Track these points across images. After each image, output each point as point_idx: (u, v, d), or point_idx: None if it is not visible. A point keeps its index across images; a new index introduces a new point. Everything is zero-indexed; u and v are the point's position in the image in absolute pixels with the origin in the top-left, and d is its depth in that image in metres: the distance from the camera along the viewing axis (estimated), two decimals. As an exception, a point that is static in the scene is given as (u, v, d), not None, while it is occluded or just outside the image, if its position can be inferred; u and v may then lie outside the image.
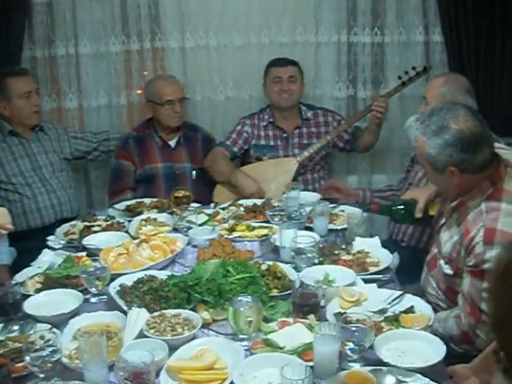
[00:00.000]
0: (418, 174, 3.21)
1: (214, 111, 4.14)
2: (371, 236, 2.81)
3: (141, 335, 2.05)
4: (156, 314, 2.15)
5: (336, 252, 2.63)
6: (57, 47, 3.97)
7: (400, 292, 2.25)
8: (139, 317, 2.09)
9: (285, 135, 3.84)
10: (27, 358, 1.88)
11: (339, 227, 2.97)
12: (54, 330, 2.12)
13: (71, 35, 3.95)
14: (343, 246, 2.69)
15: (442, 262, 2.36)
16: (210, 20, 3.97)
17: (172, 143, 3.88)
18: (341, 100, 4.03)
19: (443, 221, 2.42)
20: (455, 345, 2.22)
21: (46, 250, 2.85)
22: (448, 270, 2.31)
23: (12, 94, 3.58)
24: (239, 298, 2.03)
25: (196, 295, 2.23)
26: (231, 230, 2.99)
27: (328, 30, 3.96)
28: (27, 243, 3.12)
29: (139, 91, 4.10)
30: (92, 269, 2.42)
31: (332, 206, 3.19)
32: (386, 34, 3.91)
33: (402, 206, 2.71)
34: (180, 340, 2.02)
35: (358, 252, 2.64)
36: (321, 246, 2.69)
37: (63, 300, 2.36)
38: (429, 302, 2.31)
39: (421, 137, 2.25)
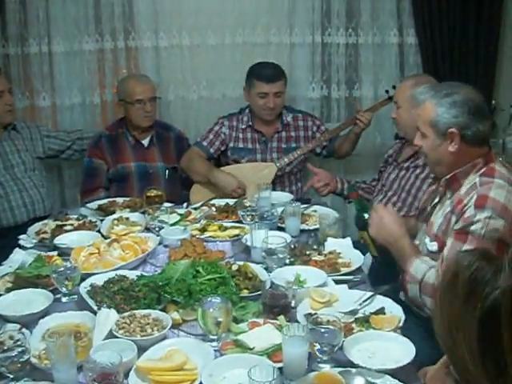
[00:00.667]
0: (391, 175, 3.23)
1: (188, 111, 4.14)
2: (343, 237, 2.82)
3: (110, 336, 2.04)
4: (126, 314, 2.14)
5: (307, 252, 2.64)
6: (30, 45, 3.93)
7: (371, 293, 2.26)
8: (108, 317, 2.08)
9: (264, 139, 3.80)
10: None
11: (311, 227, 2.98)
12: (24, 330, 2.09)
13: (44, 33, 3.91)
14: (315, 247, 2.70)
15: (427, 239, 2.39)
16: (183, 19, 3.96)
17: (145, 142, 3.86)
18: (314, 100, 4.04)
19: (436, 200, 2.45)
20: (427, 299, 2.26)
21: (17, 249, 2.82)
22: (433, 247, 2.34)
23: None
24: (208, 299, 2.03)
25: (166, 295, 2.22)
26: (203, 230, 2.98)
27: (302, 31, 3.98)
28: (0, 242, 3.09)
29: (114, 89, 4.06)
30: (62, 268, 2.39)
31: (304, 206, 3.20)
32: (361, 35, 3.94)
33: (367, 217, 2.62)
34: (149, 341, 2.01)
35: (330, 253, 2.64)
36: (292, 246, 2.70)
37: (33, 300, 2.33)
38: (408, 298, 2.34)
39: (430, 100, 2.32)
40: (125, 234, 2.77)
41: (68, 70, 4.01)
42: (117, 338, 2.02)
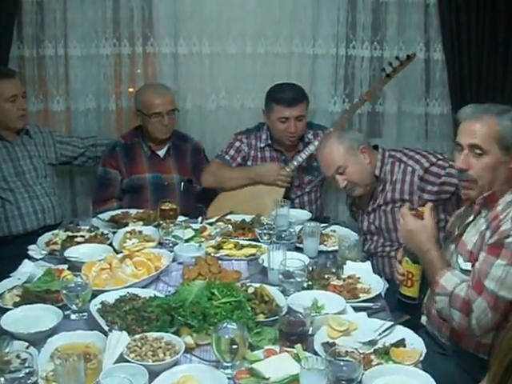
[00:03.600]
0: (364, 223, 3.29)
1: (205, 120, 4.13)
2: (363, 260, 2.80)
3: (121, 359, 2.03)
4: (137, 336, 2.12)
5: (326, 276, 2.62)
6: (46, 47, 3.95)
7: (391, 323, 2.24)
8: (120, 340, 2.07)
9: (284, 158, 3.75)
10: (1, 380, 1.85)
11: (330, 249, 2.96)
12: (31, 348, 2.10)
13: (61, 36, 3.93)
14: (333, 270, 2.68)
15: (460, 259, 2.37)
16: (204, 26, 3.95)
17: (161, 153, 3.87)
18: (336, 114, 3.99)
19: (470, 219, 2.41)
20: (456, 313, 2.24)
21: (26, 261, 2.83)
22: (468, 267, 2.32)
23: None
24: (224, 325, 2.02)
25: (179, 318, 2.21)
26: (218, 247, 2.97)
27: (326, 43, 3.96)
28: (9, 249, 3.14)
29: (130, 89, 4.07)
30: (73, 285, 2.38)
31: (323, 225, 3.19)
32: (386, 49, 3.91)
33: None
34: (161, 366, 1.99)
35: (349, 277, 2.62)
36: (310, 268, 2.68)
37: (42, 316, 2.32)
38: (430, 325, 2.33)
39: (485, 115, 2.30)
40: (138, 250, 2.76)
41: (84, 74, 4.03)
42: (128, 361, 2.01)
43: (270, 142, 3.75)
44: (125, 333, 2.12)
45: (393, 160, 3.16)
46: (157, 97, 3.75)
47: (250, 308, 2.28)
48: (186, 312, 2.21)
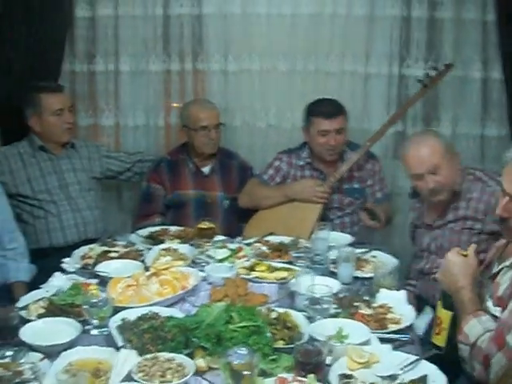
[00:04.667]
0: (425, 239, 3.17)
1: (254, 138, 4.13)
2: (399, 289, 2.71)
3: (129, 378, 2.02)
4: (149, 356, 2.11)
5: (355, 304, 2.54)
6: (97, 63, 4.05)
7: (416, 357, 2.15)
8: (128, 358, 2.06)
9: (322, 177, 3.69)
10: None
11: (366, 275, 2.88)
12: (45, 361, 2.13)
13: (112, 51, 4.02)
14: (365, 298, 2.60)
15: (489, 303, 2.26)
16: (254, 43, 3.96)
17: (206, 170, 3.88)
18: (388, 136, 3.91)
19: (506, 263, 2.29)
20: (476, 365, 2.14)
21: (57, 274, 2.88)
22: (496, 312, 2.20)
23: (44, 110, 3.64)
24: (234, 350, 1.98)
25: (194, 340, 2.19)
26: (251, 269, 2.94)
27: (379, 61, 3.90)
28: (49, 261, 3.15)
29: (174, 105, 4.13)
30: (95, 300, 2.40)
31: (363, 250, 3.12)
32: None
33: None
34: (168, 388, 1.98)
35: (380, 306, 2.54)
36: (341, 295, 2.62)
37: (61, 329, 2.34)
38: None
39: None
40: (165, 269, 2.76)
41: (133, 89, 4.10)
42: (135, 381, 1.99)
43: (309, 160, 3.72)
44: (134, 351, 2.12)
45: (472, 177, 3.06)
46: (203, 111, 3.78)
47: (269, 333, 2.24)
48: (201, 334, 2.18)
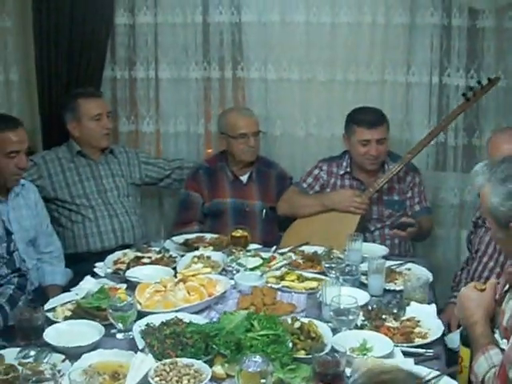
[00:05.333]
0: (484, 238, 3.05)
1: (294, 148, 4.11)
2: (429, 303, 2.67)
3: (145, 381, 2.03)
4: (168, 361, 2.13)
5: (383, 316, 2.51)
6: (137, 69, 4.11)
7: (437, 373, 2.11)
8: (144, 362, 2.08)
9: (363, 188, 3.66)
10: None
11: (398, 288, 2.84)
12: (66, 362, 2.18)
13: (152, 58, 4.07)
14: (394, 311, 2.56)
15: (497, 334, 2.18)
16: (293, 52, 3.95)
17: (243, 178, 3.89)
18: (429, 147, 3.83)
19: (506, 288, 2.22)
20: None
21: (87, 278, 2.94)
22: (503, 345, 2.10)
23: (82, 115, 3.72)
24: (250, 357, 1.98)
25: (214, 347, 2.20)
26: (281, 278, 2.93)
27: (419, 70, 3.85)
28: (85, 266, 3.18)
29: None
30: (120, 304, 2.43)
31: (398, 262, 3.09)
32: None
33: None
34: (183, 393, 1.99)
35: (408, 319, 2.50)
36: (369, 307, 2.59)
37: (85, 332, 2.39)
38: None
39: (486, 183, 2.11)
40: (193, 275, 2.78)
41: (173, 96, 4.14)
42: (150, 385, 2.02)
43: (349, 169, 3.70)
44: (150, 355, 2.14)
45: None
46: (242, 118, 3.80)
47: (290, 343, 2.23)
48: (221, 341, 2.19)
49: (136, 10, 4.01)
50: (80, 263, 3.46)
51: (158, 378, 2.04)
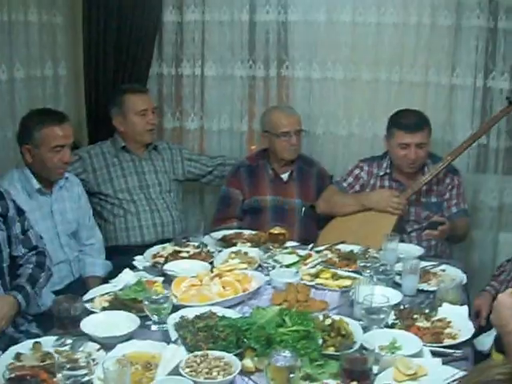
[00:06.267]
0: None
1: (336, 147, 4.16)
2: (462, 304, 2.68)
3: (175, 372, 2.09)
4: (199, 353, 2.18)
5: (414, 316, 2.53)
6: (184, 66, 4.20)
7: (464, 373, 2.12)
8: (175, 354, 2.14)
9: (402, 189, 3.66)
10: (59, 375, 1.98)
11: (432, 289, 2.85)
12: (101, 351, 2.24)
13: (198, 56, 4.16)
14: (426, 311, 2.58)
15: None
16: (338, 52, 3.99)
17: (284, 177, 3.93)
18: (471, 149, 3.83)
19: None
20: None
21: (126, 270, 2.98)
22: None
23: (128, 110, 3.81)
24: (279, 352, 2.02)
25: (245, 341, 2.25)
26: (315, 275, 2.97)
27: (463, 73, 3.85)
28: (125, 259, 3.24)
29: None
30: (155, 297, 2.48)
31: (433, 263, 3.10)
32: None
33: None
34: (212, 384, 2.04)
35: (439, 320, 2.51)
36: (401, 307, 2.61)
37: (121, 323, 2.44)
38: None
39: None
40: (228, 270, 2.83)
41: (218, 94, 4.22)
42: (181, 375, 2.06)
43: (388, 171, 3.71)
44: (182, 347, 2.20)
45: None
46: (285, 116, 3.85)
47: (321, 339, 2.27)
48: (252, 335, 2.24)
49: (184, 8, 4.12)
50: (120, 256, 3.53)
51: (188, 369, 2.09)
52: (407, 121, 3.56)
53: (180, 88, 4.26)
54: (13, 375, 2.00)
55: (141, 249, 3.36)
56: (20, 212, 2.88)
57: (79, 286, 3.28)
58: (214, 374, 2.08)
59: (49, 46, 3.96)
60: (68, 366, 2.00)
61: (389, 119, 3.66)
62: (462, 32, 3.81)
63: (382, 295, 2.49)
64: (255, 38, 4.10)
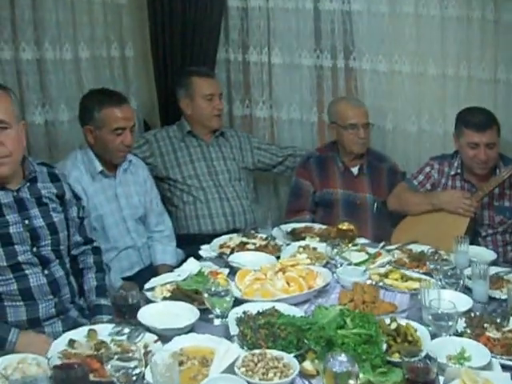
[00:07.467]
0: None
1: (407, 143, 4.02)
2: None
3: (230, 370, 2.01)
4: (257, 351, 2.09)
5: (485, 325, 2.39)
6: (250, 53, 4.13)
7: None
8: (229, 351, 2.06)
9: (474, 191, 3.51)
10: (109, 366, 1.91)
11: (504, 296, 2.69)
12: (158, 343, 2.18)
13: (265, 43, 4.10)
14: (497, 320, 2.44)
15: None
16: (403, 45, 3.86)
17: (354, 170, 3.82)
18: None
19: None
20: None
21: (191, 259, 2.94)
22: None
23: (195, 93, 3.76)
24: (336, 356, 1.91)
25: (305, 341, 2.17)
26: (385, 276, 2.85)
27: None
28: (197, 247, 3.20)
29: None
30: (216, 289, 2.40)
31: (506, 269, 2.93)
32: None
33: None
34: (267, 386, 1.94)
35: (510, 331, 2.37)
36: (473, 314, 2.48)
37: (180, 314, 2.38)
38: None
39: None
40: (292, 265, 2.75)
41: (286, 82, 4.14)
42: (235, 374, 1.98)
43: (459, 171, 3.55)
44: (235, 344, 2.13)
45: None
46: (351, 108, 3.75)
47: (385, 344, 2.17)
48: (312, 336, 2.15)
49: (249, -7, 4.00)
50: (192, 245, 3.43)
51: (244, 369, 2.00)
52: (475, 119, 3.41)
53: (248, 75, 4.19)
54: (60, 363, 1.94)
55: (212, 238, 3.30)
56: (77, 197, 2.83)
57: (150, 274, 3.14)
58: (270, 375, 1.98)
59: (114, 26, 3.93)
60: (117, 356, 1.91)
61: (456, 117, 3.51)
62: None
63: (449, 301, 2.37)
64: (321, 27, 3.99)
